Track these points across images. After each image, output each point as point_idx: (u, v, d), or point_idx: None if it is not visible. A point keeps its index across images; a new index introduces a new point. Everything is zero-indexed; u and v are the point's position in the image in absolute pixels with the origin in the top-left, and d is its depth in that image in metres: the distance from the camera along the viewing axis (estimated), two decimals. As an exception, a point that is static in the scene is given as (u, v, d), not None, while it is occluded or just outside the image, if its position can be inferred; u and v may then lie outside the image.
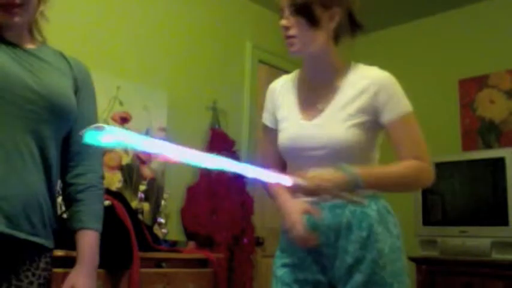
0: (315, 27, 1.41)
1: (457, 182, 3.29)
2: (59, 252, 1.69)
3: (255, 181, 1.21)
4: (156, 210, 2.85)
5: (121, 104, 2.87)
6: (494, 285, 2.86)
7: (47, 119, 1.26)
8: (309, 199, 1.46)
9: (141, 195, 2.77)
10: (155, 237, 2.54)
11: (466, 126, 3.63)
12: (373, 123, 1.42)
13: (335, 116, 1.43)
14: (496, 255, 2.95)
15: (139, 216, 2.62)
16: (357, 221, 1.40)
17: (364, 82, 1.42)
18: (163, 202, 2.84)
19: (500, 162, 3.06)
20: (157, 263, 2.36)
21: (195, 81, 3.30)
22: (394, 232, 1.42)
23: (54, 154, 1.30)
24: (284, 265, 1.50)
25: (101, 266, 1.99)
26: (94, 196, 1.37)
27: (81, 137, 1.25)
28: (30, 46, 1.34)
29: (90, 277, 1.31)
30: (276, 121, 1.57)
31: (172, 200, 2.95)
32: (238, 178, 3.12)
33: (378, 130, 1.46)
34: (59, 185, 1.37)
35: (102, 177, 1.41)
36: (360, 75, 1.44)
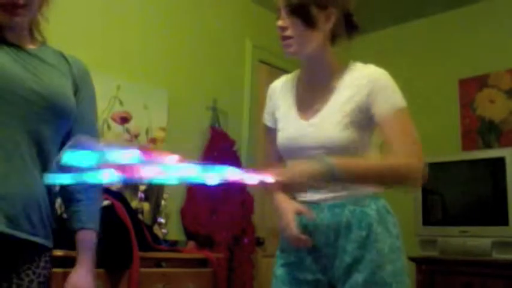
0: (311, 28, 1.41)
1: (457, 182, 3.29)
2: (58, 252, 1.69)
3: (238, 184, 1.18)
4: (156, 210, 2.84)
5: (121, 103, 2.87)
6: (494, 285, 2.86)
7: (47, 120, 1.27)
8: (309, 199, 1.47)
9: (141, 195, 2.76)
10: (155, 237, 2.54)
11: (466, 126, 3.63)
12: (368, 121, 1.41)
13: (331, 116, 1.42)
14: (496, 255, 2.95)
15: (139, 216, 2.61)
16: (356, 220, 1.40)
17: (359, 81, 1.41)
18: (163, 202, 2.84)
19: (500, 162, 3.06)
20: (157, 263, 2.36)
21: (195, 81, 3.30)
22: (393, 232, 1.41)
23: (54, 154, 1.31)
24: (283, 265, 1.51)
25: (100, 265, 1.99)
26: (93, 196, 1.38)
27: (81, 136, 1.26)
28: (30, 46, 1.35)
29: (91, 277, 1.33)
30: (275, 121, 1.58)
31: (172, 199, 2.95)
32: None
33: (374, 128, 1.45)
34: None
35: None
36: (355, 75, 1.44)
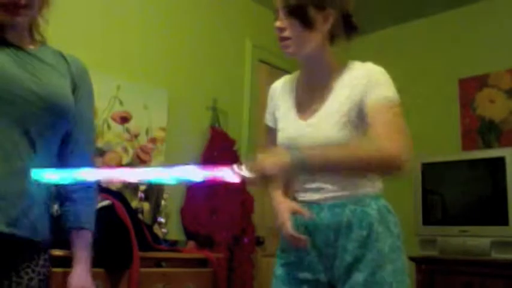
0: (309, 29, 1.41)
1: (457, 182, 3.29)
2: (58, 252, 1.69)
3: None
4: (156, 209, 2.84)
5: (121, 103, 2.87)
6: (494, 284, 2.86)
7: (45, 120, 1.27)
8: (309, 199, 1.47)
9: (141, 194, 2.77)
10: (155, 236, 2.54)
11: (466, 125, 3.63)
12: (365, 119, 1.40)
13: (329, 116, 1.42)
14: (496, 255, 2.95)
15: (140, 215, 2.62)
16: (357, 220, 1.40)
17: (358, 81, 1.41)
18: (163, 202, 2.84)
19: (500, 162, 3.06)
20: (157, 263, 2.36)
21: (195, 81, 3.31)
22: (394, 232, 1.42)
23: (52, 153, 1.31)
24: (283, 265, 1.52)
25: (100, 265, 2.00)
26: (90, 196, 1.39)
27: (78, 136, 1.28)
28: (30, 47, 1.35)
29: (90, 276, 1.35)
30: (275, 121, 1.58)
31: (172, 199, 2.95)
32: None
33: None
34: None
35: None
36: (354, 74, 1.43)
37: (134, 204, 2.68)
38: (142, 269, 2.17)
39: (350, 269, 1.38)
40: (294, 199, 1.53)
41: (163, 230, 2.73)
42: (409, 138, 1.31)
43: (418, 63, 3.92)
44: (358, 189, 1.43)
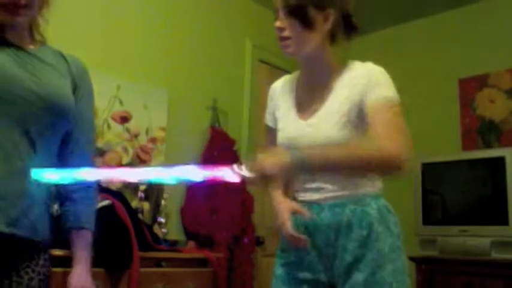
0: (309, 29, 1.41)
1: (457, 181, 3.29)
2: (58, 252, 1.70)
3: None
4: (156, 209, 2.84)
5: (121, 103, 2.87)
6: (494, 284, 2.86)
7: (46, 120, 1.27)
8: (309, 199, 1.47)
9: (141, 194, 2.77)
10: (155, 236, 2.54)
11: (466, 125, 3.63)
12: (365, 119, 1.40)
13: (328, 116, 1.42)
14: (496, 255, 2.95)
15: (140, 215, 2.62)
16: (357, 219, 1.40)
17: (358, 80, 1.41)
18: (163, 201, 2.84)
19: (500, 162, 3.06)
20: (157, 263, 2.36)
21: (195, 80, 3.31)
22: (394, 231, 1.42)
23: (52, 153, 1.31)
24: (283, 264, 1.52)
25: (100, 265, 2.00)
26: (90, 196, 1.40)
27: (78, 136, 1.28)
28: (30, 47, 1.35)
29: (90, 275, 1.36)
30: (276, 121, 1.59)
31: (172, 199, 2.95)
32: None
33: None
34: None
35: None
36: (354, 74, 1.43)
37: (134, 204, 2.68)
38: (142, 269, 2.17)
39: (350, 268, 1.38)
40: (294, 199, 1.53)
41: (163, 230, 2.73)
42: (409, 138, 1.31)
43: (418, 63, 3.92)
44: (358, 189, 1.43)
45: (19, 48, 1.31)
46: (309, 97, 1.50)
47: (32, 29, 1.38)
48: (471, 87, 3.66)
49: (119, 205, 2.24)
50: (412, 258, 3.03)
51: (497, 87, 3.54)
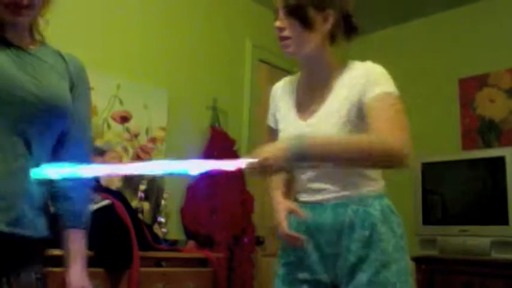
0: (308, 29, 1.41)
1: (457, 181, 3.29)
2: (57, 252, 1.69)
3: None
4: (156, 209, 2.85)
5: (121, 103, 2.87)
6: (494, 284, 2.86)
7: (44, 121, 1.27)
8: (311, 199, 1.47)
9: (141, 194, 2.77)
10: (155, 236, 2.55)
11: (466, 125, 3.63)
12: (365, 119, 1.39)
13: (328, 116, 1.43)
14: (496, 255, 2.95)
15: (140, 215, 2.62)
16: (359, 220, 1.40)
17: (357, 80, 1.41)
18: (163, 201, 2.84)
19: (500, 162, 3.06)
20: (157, 262, 2.36)
21: (195, 80, 3.31)
22: (397, 232, 1.41)
23: (49, 153, 1.32)
24: (284, 264, 1.52)
25: (100, 265, 2.00)
26: (85, 194, 1.40)
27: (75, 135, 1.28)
28: (30, 47, 1.35)
29: (86, 274, 1.36)
30: (277, 122, 1.59)
31: (172, 199, 2.95)
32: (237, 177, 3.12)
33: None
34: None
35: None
36: (354, 74, 1.43)
37: (134, 203, 2.68)
38: (142, 269, 2.17)
39: (353, 269, 1.38)
40: (296, 200, 1.53)
41: (163, 230, 2.74)
42: (407, 129, 1.31)
43: (418, 63, 3.92)
44: (360, 189, 1.43)
45: (19, 48, 1.31)
46: (309, 97, 1.50)
47: (32, 28, 1.38)
48: (471, 87, 3.66)
49: (118, 205, 2.24)
50: (412, 258, 3.02)
51: (497, 87, 3.54)
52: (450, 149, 3.61)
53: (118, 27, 2.94)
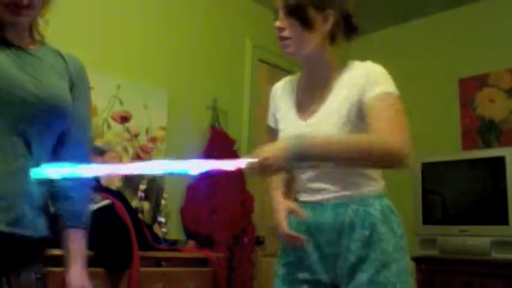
0: (308, 29, 1.41)
1: (457, 181, 3.29)
2: (57, 252, 1.69)
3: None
4: (156, 209, 2.85)
5: (121, 103, 2.87)
6: (494, 284, 2.86)
7: (44, 121, 1.27)
8: (311, 199, 1.47)
9: (141, 194, 2.77)
10: (155, 236, 2.55)
11: (466, 125, 3.63)
12: (365, 119, 1.39)
13: (328, 116, 1.43)
14: (496, 255, 2.95)
15: (140, 215, 2.62)
16: (359, 220, 1.40)
17: (357, 80, 1.41)
18: (163, 201, 2.84)
19: (500, 162, 3.06)
20: (157, 262, 2.36)
21: (195, 80, 3.31)
22: (398, 232, 1.41)
23: (49, 153, 1.32)
24: (284, 264, 1.52)
25: (100, 265, 2.00)
26: (85, 194, 1.40)
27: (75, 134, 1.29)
28: (30, 47, 1.35)
29: (86, 274, 1.36)
30: (277, 122, 1.59)
31: (172, 199, 2.95)
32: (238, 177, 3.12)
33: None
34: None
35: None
36: (353, 74, 1.43)
37: (134, 203, 2.68)
38: (142, 269, 2.17)
39: (354, 269, 1.38)
40: (296, 200, 1.53)
41: (163, 230, 2.74)
42: (407, 128, 1.31)
43: (418, 63, 3.92)
44: (360, 189, 1.43)
45: (19, 48, 1.31)
46: (309, 97, 1.50)
47: (32, 28, 1.38)
48: (471, 87, 3.66)
49: (119, 205, 2.24)
50: (412, 258, 3.02)
51: (497, 87, 3.54)
52: (450, 149, 3.61)
53: (118, 27, 2.94)
